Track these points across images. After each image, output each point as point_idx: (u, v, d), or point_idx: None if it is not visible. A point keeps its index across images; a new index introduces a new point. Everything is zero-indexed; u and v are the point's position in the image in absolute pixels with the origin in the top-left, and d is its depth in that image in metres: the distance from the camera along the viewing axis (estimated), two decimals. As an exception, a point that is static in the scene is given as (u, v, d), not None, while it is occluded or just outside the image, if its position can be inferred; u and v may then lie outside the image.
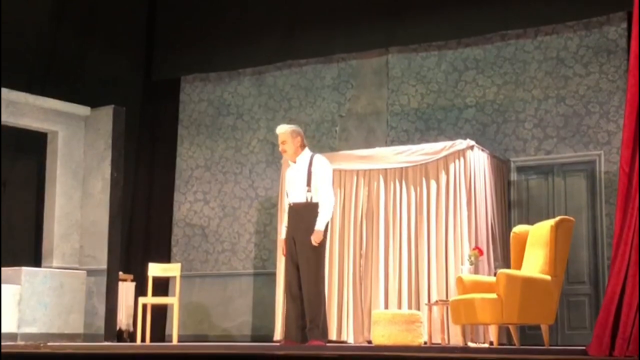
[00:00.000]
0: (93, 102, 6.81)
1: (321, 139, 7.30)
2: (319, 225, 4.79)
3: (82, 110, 6.77)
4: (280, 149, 5.04)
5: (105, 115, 6.71)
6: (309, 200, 4.86)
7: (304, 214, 4.84)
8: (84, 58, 7.59)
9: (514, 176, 6.55)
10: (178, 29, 7.88)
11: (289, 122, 6.65)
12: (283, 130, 4.98)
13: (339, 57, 7.38)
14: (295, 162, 4.96)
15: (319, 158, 4.97)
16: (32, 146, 6.97)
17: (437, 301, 5.75)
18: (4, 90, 6.28)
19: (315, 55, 7.44)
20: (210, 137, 7.80)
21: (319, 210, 4.82)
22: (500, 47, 6.72)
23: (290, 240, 4.89)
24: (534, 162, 6.51)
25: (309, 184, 4.86)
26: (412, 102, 6.98)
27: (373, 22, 7.07)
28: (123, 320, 6.84)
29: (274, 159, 7.38)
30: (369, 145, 6.88)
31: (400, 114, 7.02)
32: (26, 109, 6.51)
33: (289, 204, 4.96)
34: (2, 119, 6.27)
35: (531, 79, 6.57)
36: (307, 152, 4.97)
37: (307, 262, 4.79)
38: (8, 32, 6.64)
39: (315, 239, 4.77)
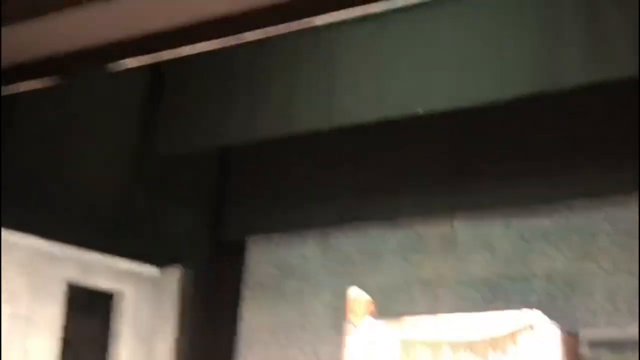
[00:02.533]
0: (161, 262, 6.91)
1: (386, 305, 7.21)
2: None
3: (150, 271, 6.86)
4: (347, 314, 5.01)
5: (173, 276, 6.79)
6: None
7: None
8: (153, 215, 7.74)
9: (584, 350, 6.38)
10: (246, 191, 8.01)
11: (354, 286, 6.62)
12: (352, 294, 4.96)
13: (405, 222, 7.40)
14: (361, 328, 4.92)
15: (384, 326, 4.92)
16: (99, 306, 7.05)
17: None
18: (76, 250, 6.42)
19: (380, 219, 7.48)
20: (274, 300, 7.79)
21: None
22: (568, 217, 6.68)
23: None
24: (605, 336, 6.34)
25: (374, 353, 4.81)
26: (478, 270, 6.93)
27: (439, 188, 7.12)
28: None
29: (339, 324, 7.30)
30: (434, 312, 6.79)
31: (467, 282, 6.95)
32: (96, 269, 6.63)
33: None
34: (72, 278, 6.38)
35: (600, 251, 6.50)
36: (373, 319, 4.94)
37: None
38: (82, 190, 6.85)
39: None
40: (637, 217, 6.41)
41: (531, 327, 5.90)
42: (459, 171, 7.03)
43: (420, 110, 5.96)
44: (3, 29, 4.36)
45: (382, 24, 6.07)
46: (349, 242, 7.61)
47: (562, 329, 6.19)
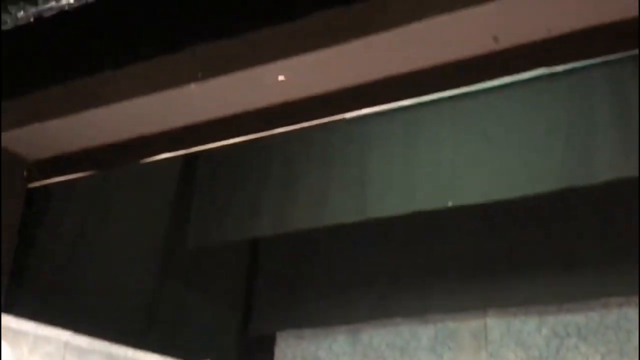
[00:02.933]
0: (188, 355, 6.83)
1: (417, 403, 7.11)
2: None
3: (179, 365, 6.80)
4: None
5: (202, 371, 6.71)
6: None
7: None
8: (182, 309, 7.71)
9: None
10: (275, 285, 7.99)
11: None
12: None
13: (436, 318, 7.32)
14: None
15: None
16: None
17: None
18: (105, 343, 6.38)
19: (411, 315, 7.40)
20: (303, 396, 7.69)
21: None
22: (602, 314, 6.58)
23: None
24: None
25: None
26: (511, 367, 6.82)
27: (470, 283, 7.06)
28: None
29: (368, 422, 7.20)
30: (466, 410, 6.69)
31: (500, 379, 6.84)
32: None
33: None
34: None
35: (636, 349, 6.37)
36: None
37: None
38: (111, 284, 6.85)
39: None
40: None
41: None
42: (491, 266, 6.98)
43: (450, 203, 5.96)
44: (36, 124, 4.46)
45: (414, 116, 6.14)
46: (379, 337, 7.53)
47: None
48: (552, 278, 6.66)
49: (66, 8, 4.15)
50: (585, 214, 6.55)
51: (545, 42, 3.75)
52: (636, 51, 4.15)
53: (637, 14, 3.51)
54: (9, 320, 5.41)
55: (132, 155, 4.83)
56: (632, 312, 6.48)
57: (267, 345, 8.00)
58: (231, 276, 8.10)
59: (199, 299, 7.74)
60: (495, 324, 7.04)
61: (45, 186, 5.07)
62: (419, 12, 3.67)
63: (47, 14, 4.22)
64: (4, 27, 4.15)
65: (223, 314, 7.92)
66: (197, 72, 4.10)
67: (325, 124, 4.42)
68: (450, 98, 5.80)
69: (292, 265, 7.95)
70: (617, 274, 6.37)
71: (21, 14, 4.17)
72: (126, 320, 7.26)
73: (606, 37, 3.70)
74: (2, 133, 4.53)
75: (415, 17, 3.68)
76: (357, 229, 6.69)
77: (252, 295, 8.15)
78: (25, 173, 4.90)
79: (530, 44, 3.78)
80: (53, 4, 4.24)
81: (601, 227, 6.50)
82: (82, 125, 4.51)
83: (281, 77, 4.08)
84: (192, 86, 4.13)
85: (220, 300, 7.92)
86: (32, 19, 4.23)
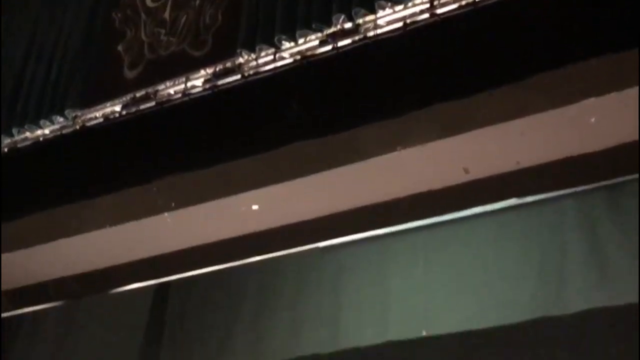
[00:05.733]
0: None
1: None
2: None
3: None
4: None
5: None
6: None
7: None
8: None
9: None
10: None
11: None
12: None
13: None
14: None
15: None
16: None
17: None
18: None
19: None
20: None
21: None
22: None
23: None
24: None
25: None
26: None
27: None
28: None
29: None
30: None
31: None
32: None
33: None
34: None
35: None
36: None
37: None
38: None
39: None
40: None
41: None
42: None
43: (424, 333, 5.92)
44: (4, 255, 4.42)
45: (386, 245, 6.14)
46: None
47: None
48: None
49: (40, 139, 4.19)
50: (556, 343, 6.51)
51: (515, 173, 3.82)
52: (604, 182, 4.24)
53: (606, 146, 3.61)
54: None
55: (104, 285, 4.79)
56: None
57: None
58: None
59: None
60: None
61: (15, 316, 5.00)
62: (391, 144, 3.73)
63: (21, 145, 4.26)
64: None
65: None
66: (171, 202, 4.12)
67: (298, 253, 4.43)
68: (423, 228, 5.84)
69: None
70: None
71: (-6, 145, 4.21)
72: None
73: (575, 170, 3.78)
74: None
75: (388, 149, 3.74)
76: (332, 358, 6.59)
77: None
78: (-1, 303, 4.85)
79: (500, 175, 3.85)
80: (27, 134, 4.28)
81: (575, 355, 6.45)
82: (53, 255, 4.49)
83: (255, 207, 4.11)
84: (166, 215, 4.15)
85: None
86: (6, 150, 4.27)
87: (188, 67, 4.30)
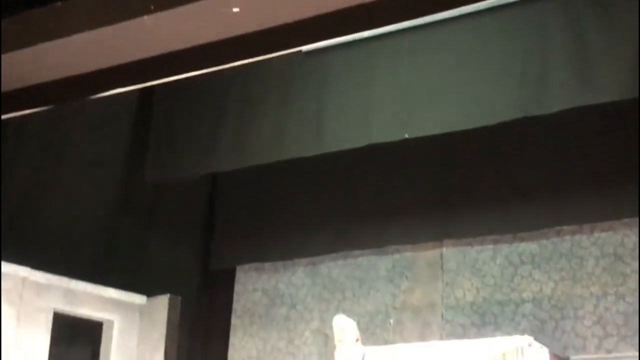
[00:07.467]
0: (149, 291, 6.89)
1: (375, 332, 7.21)
2: None
3: (139, 299, 6.84)
4: (336, 340, 5.01)
5: (161, 304, 6.77)
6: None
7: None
8: (142, 246, 7.72)
9: (575, 375, 6.39)
10: (235, 220, 8.00)
11: (343, 313, 6.61)
12: (342, 320, 4.96)
13: (394, 249, 7.41)
14: (349, 355, 4.92)
15: (372, 353, 4.93)
16: (87, 335, 7.00)
17: None
18: (63, 279, 6.39)
19: (369, 246, 7.47)
20: (263, 327, 7.77)
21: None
22: (556, 242, 6.70)
23: None
24: (595, 361, 6.35)
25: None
26: (467, 296, 6.93)
27: (427, 215, 7.13)
28: None
29: (327, 351, 7.29)
30: (423, 338, 6.80)
31: (456, 307, 6.95)
32: (84, 298, 6.60)
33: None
34: (60, 308, 6.35)
35: (589, 276, 6.51)
36: (360, 346, 4.94)
37: None
38: (70, 220, 6.83)
39: None
40: (624, 241, 6.44)
41: (521, 352, 5.89)
42: (447, 198, 7.05)
43: (407, 135, 5.99)
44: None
45: (370, 49, 6.12)
46: (338, 269, 7.61)
47: (552, 354, 6.18)
48: (506, 208, 6.74)
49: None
50: (538, 144, 6.62)
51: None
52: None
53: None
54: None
55: (87, 90, 4.76)
56: (585, 240, 6.60)
57: (227, 279, 8.05)
58: (190, 211, 8.10)
59: (158, 235, 7.75)
60: (451, 253, 7.14)
61: (-2, 123, 5.00)
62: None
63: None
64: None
65: (182, 249, 7.94)
66: (150, 4, 4.02)
67: (282, 57, 4.39)
68: (407, 30, 5.79)
69: (252, 200, 7.96)
70: (571, 202, 6.48)
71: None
72: (85, 256, 7.27)
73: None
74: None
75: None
76: (316, 163, 6.71)
77: (211, 230, 8.16)
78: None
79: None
80: None
81: (554, 156, 6.57)
82: (33, 60, 4.43)
83: (236, 9, 4.03)
84: (145, 18, 4.06)
85: (180, 236, 7.92)
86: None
87: None
